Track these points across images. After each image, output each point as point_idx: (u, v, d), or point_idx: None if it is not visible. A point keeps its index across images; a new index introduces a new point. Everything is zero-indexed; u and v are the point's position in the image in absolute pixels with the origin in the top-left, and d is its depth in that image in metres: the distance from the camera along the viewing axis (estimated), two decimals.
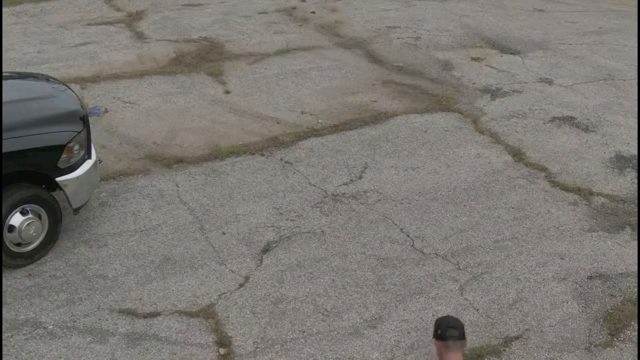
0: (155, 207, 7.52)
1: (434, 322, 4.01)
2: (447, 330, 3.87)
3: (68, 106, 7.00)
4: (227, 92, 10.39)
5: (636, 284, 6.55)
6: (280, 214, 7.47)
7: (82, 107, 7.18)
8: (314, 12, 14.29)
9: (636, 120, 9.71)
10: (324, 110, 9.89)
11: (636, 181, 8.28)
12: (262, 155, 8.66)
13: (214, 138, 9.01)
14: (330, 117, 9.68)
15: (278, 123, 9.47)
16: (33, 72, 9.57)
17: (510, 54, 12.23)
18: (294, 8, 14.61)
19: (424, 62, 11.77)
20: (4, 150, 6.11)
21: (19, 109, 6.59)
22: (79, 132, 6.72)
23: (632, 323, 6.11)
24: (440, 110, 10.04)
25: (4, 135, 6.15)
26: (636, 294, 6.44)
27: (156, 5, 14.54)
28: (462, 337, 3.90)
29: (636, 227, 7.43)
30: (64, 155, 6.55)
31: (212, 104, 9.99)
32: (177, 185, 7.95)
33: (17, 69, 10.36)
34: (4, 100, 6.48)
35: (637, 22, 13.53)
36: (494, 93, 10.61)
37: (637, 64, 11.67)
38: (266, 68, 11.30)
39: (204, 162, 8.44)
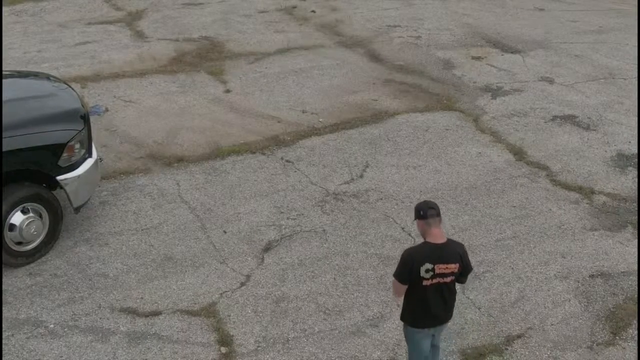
0: (156, 206, 7.51)
1: (414, 208, 4.80)
2: (428, 211, 4.69)
3: (69, 105, 6.99)
4: (228, 91, 10.38)
5: (638, 283, 6.54)
6: (282, 212, 7.46)
7: (82, 105, 7.17)
8: (314, 11, 14.29)
9: (637, 119, 9.70)
10: (324, 109, 9.88)
11: (637, 180, 8.27)
12: (263, 154, 8.64)
13: (215, 137, 9.00)
14: (331, 116, 9.67)
15: (279, 122, 9.46)
16: (34, 70, 9.56)
17: (511, 53, 12.22)
18: (295, 7, 14.61)
19: (424, 61, 11.76)
20: (4, 149, 6.10)
21: (20, 107, 6.57)
22: (80, 131, 6.71)
23: (634, 322, 6.10)
24: (441, 109, 10.03)
25: (4, 134, 6.14)
26: (638, 293, 6.43)
27: (156, 4, 14.54)
28: (438, 214, 4.72)
29: (637, 225, 7.42)
30: (64, 154, 6.55)
31: (213, 103, 9.98)
32: (178, 184, 7.94)
33: (18, 68, 10.35)
34: (4, 98, 6.47)
35: (637, 21, 13.52)
36: (494, 92, 10.60)
37: (637, 63, 11.66)
38: (267, 67, 11.29)
39: (205, 161, 8.43)
